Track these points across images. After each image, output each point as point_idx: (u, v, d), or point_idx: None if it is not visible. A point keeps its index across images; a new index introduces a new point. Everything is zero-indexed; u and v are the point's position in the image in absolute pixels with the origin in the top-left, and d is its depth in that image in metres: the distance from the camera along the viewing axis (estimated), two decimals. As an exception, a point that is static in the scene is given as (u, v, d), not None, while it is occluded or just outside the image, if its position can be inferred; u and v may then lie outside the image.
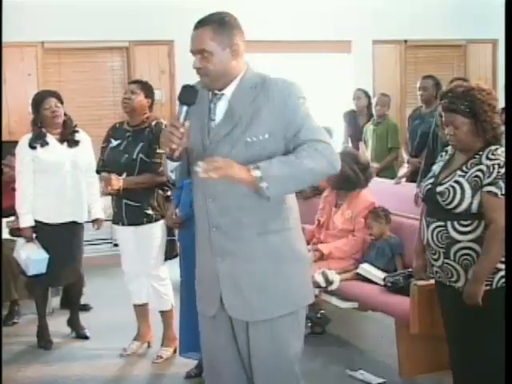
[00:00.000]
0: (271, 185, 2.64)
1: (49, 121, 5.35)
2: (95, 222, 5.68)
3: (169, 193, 5.03)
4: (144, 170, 4.94)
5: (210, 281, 2.96)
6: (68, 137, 5.43)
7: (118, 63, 8.57)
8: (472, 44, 10.30)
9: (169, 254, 5.06)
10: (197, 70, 2.83)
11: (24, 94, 7.87)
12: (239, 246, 2.86)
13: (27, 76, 8.02)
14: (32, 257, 5.32)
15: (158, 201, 4.99)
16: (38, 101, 5.38)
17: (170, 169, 2.94)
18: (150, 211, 4.96)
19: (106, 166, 5.08)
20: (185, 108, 2.80)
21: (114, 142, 5.09)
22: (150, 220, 4.97)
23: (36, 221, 5.37)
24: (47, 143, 5.34)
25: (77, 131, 5.51)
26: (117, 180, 4.85)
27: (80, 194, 5.45)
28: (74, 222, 5.44)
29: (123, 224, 5.07)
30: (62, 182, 5.36)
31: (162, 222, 4.99)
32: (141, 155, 4.93)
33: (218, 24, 2.80)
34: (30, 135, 5.42)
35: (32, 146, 5.31)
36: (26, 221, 5.35)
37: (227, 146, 2.80)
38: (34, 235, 5.38)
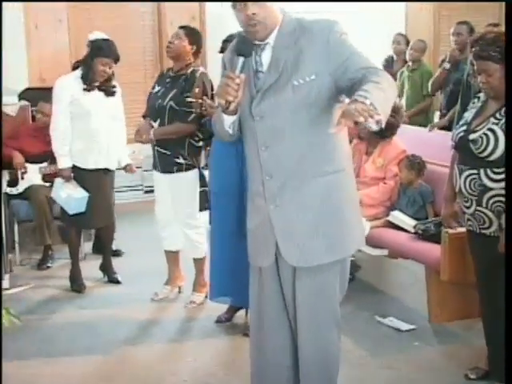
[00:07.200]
0: (379, 108, 2.44)
1: (95, 73, 5.30)
2: (127, 167, 5.72)
3: (200, 143, 5.02)
4: (174, 119, 4.92)
5: (264, 231, 2.96)
6: (106, 87, 5.41)
7: (148, 9, 8.50)
8: (508, -12, 10.05)
9: (202, 206, 5.01)
10: (250, 18, 2.72)
11: (55, 41, 7.86)
12: (293, 191, 2.85)
13: (58, 22, 7.99)
14: (74, 195, 5.36)
15: (188, 150, 4.97)
16: (103, 51, 5.27)
17: (227, 124, 2.88)
18: (180, 160, 4.96)
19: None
20: (241, 59, 2.74)
21: (156, 88, 5.09)
22: (181, 169, 4.97)
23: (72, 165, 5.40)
24: (94, 88, 5.32)
25: (114, 85, 5.49)
26: (146, 133, 4.92)
27: (112, 143, 5.46)
28: (106, 169, 5.48)
29: (159, 170, 5.11)
30: (98, 129, 5.36)
31: (193, 171, 4.98)
32: (171, 103, 4.91)
33: None
34: (69, 76, 5.41)
35: (83, 80, 5.27)
36: (65, 162, 5.37)
37: (275, 93, 2.79)
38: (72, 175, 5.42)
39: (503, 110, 3.42)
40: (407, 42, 8.20)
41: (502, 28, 3.56)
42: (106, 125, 5.40)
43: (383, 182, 5.43)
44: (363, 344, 4.47)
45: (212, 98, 4.87)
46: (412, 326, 4.65)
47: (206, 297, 5.11)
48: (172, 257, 5.36)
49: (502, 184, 3.37)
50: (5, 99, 6.43)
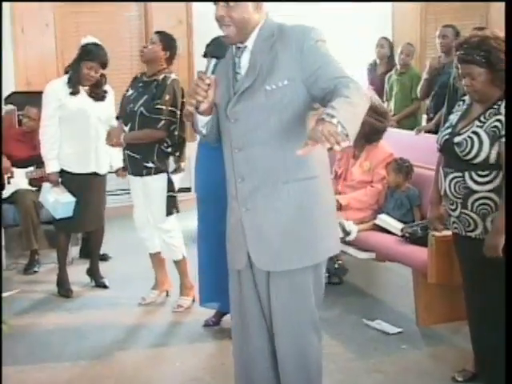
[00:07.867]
0: (347, 126, 2.43)
1: (80, 77, 5.30)
2: (118, 171, 5.70)
3: (169, 149, 5.03)
4: (143, 125, 4.94)
5: (237, 233, 2.98)
6: (96, 93, 5.41)
7: (135, 13, 8.49)
8: (495, -8, 10.07)
9: (169, 210, 5.04)
10: (220, 20, 2.76)
11: (42, 45, 7.84)
12: (264, 195, 2.85)
13: (45, 26, 7.97)
14: (61, 200, 5.36)
15: (157, 155, 4.98)
16: (90, 55, 5.27)
17: (201, 124, 2.93)
18: (150, 164, 4.98)
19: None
20: (213, 61, 2.77)
21: (130, 92, 5.12)
22: (150, 173, 4.99)
23: (60, 169, 5.39)
24: (78, 91, 5.32)
25: (105, 91, 5.49)
26: (117, 138, 4.96)
27: (102, 147, 5.43)
28: (95, 173, 5.47)
29: (129, 173, 5.16)
30: (86, 134, 5.36)
31: (162, 175, 5.01)
32: (141, 108, 4.94)
33: None
34: (58, 81, 5.43)
35: (69, 84, 5.28)
36: (53, 166, 5.37)
37: (249, 96, 2.80)
38: (60, 180, 5.41)
39: (488, 113, 3.43)
40: (391, 46, 8.24)
41: (487, 32, 3.56)
42: (94, 129, 5.39)
43: (370, 186, 5.44)
44: (350, 347, 4.48)
45: (182, 104, 4.92)
46: (399, 329, 4.66)
47: (194, 300, 5.12)
48: (156, 260, 5.36)
49: (487, 187, 3.39)
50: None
